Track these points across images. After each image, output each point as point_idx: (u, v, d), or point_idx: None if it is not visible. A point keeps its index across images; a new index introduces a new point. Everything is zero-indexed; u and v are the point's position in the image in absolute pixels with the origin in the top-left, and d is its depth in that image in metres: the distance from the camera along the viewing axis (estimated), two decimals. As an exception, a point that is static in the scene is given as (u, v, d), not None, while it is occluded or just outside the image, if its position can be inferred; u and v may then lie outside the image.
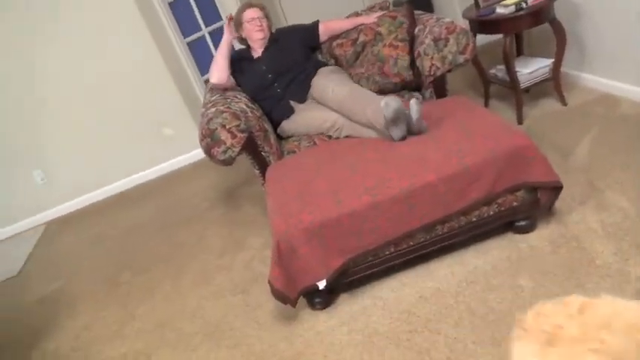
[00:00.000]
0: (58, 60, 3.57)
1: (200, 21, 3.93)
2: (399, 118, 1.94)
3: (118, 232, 3.37)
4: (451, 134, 1.93)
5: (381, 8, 2.66)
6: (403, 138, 2.00)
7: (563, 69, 2.78)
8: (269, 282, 1.83)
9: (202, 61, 3.99)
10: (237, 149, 2.25)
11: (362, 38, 2.46)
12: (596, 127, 2.52)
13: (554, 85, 2.80)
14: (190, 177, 3.82)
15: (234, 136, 2.22)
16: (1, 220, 4.00)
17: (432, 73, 2.35)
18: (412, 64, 2.35)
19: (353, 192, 1.81)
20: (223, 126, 2.20)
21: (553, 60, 2.74)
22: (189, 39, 3.88)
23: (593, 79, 2.85)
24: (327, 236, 1.79)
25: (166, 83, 3.77)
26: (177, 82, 3.81)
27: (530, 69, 2.74)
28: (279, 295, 1.83)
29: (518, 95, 2.74)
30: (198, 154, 4.03)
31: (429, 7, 4.32)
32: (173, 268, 2.68)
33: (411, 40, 2.38)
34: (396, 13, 2.43)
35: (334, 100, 2.25)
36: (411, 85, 2.40)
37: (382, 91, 2.31)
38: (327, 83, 2.35)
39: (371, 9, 2.69)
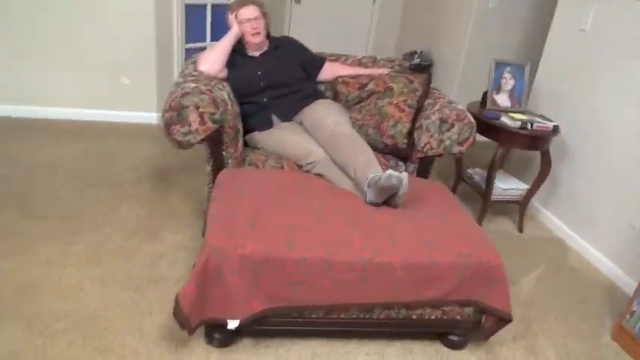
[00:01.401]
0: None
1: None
2: (389, 191, 1.81)
3: (26, 161, 2.89)
4: (427, 222, 1.80)
5: (400, 65, 2.55)
6: (374, 204, 1.86)
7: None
8: (177, 297, 1.55)
9: (193, 28, 3.69)
10: (200, 137, 1.99)
11: (372, 87, 2.31)
12: (544, 266, 2.51)
13: (519, 209, 2.81)
14: (129, 137, 3.42)
15: (203, 123, 1.96)
16: None
17: (424, 150, 2.25)
18: (409, 133, 2.24)
19: (309, 239, 1.61)
20: (197, 107, 1.93)
21: (528, 187, 2.76)
22: (189, 1, 3.57)
23: (553, 220, 2.89)
24: (263, 274, 1.56)
25: (146, 29, 3.40)
26: (159, 35, 3.46)
27: (506, 186, 2.73)
28: (181, 317, 1.55)
29: (485, 204, 2.71)
30: (147, 117, 3.67)
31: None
32: (66, 229, 2.29)
33: (418, 110, 2.27)
34: (414, 77, 2.32)
35: (331, 130, 2.07)
36: (398, 153, 2.28)
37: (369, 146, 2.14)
38: (329, 112, 2.18)
39: (390, 62, 2.58)
